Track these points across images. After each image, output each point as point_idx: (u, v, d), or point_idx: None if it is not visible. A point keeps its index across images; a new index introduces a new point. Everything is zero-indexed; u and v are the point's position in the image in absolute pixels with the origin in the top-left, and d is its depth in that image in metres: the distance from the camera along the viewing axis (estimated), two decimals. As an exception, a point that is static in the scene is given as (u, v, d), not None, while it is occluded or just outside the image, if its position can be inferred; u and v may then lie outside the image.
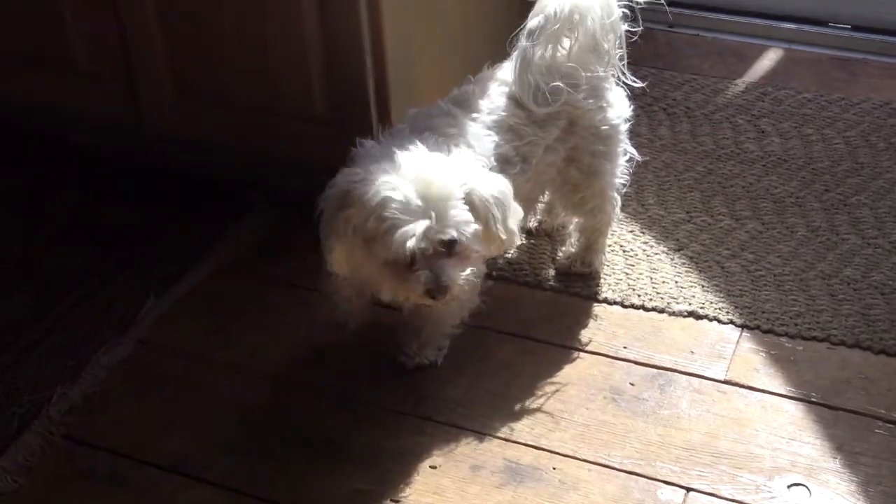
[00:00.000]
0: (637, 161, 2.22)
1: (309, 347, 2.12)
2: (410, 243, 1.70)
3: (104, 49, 2.36)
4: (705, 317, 2.13)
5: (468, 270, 1.78)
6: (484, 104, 1.95)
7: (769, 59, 2.94)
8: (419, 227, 1.70)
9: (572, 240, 2.27)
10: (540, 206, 2.31)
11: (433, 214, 1.72)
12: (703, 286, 2.20)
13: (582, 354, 2.06)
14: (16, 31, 2.46)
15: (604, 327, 2.12)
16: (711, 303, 2.15)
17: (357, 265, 1.81)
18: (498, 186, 1.81)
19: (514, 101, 1.96)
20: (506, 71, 2.00)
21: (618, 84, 2.09)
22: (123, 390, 2.04)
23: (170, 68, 2.31)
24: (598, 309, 2.16)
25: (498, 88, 1.98)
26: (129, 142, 2.57)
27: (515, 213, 1.83)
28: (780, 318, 2.11)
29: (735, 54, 2.95)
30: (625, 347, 2.07)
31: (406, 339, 2.05)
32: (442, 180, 1.74)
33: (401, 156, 1.76)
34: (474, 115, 1.93)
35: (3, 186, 2.60)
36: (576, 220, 2.23)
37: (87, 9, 2.33)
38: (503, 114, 1.94)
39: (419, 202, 1.71)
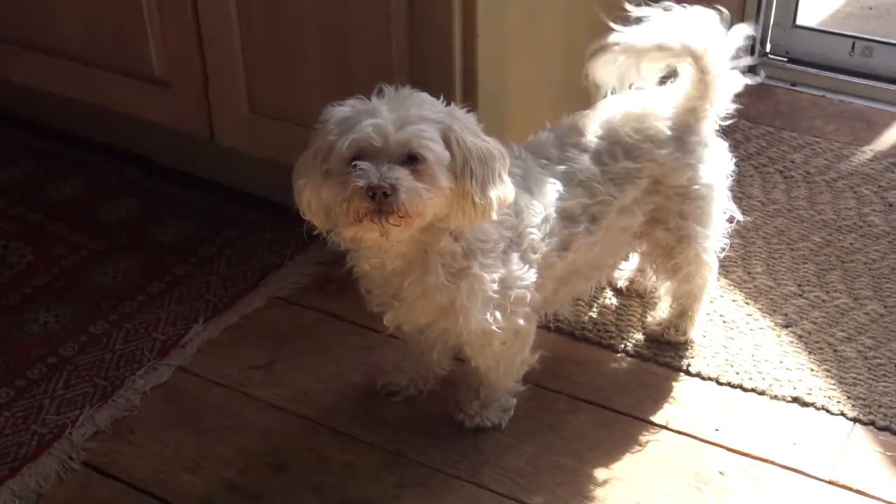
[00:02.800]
0: (740, 222, 1.98)
1: (360, 395, 1.92)
2: (356, 134, 1.49)
3: (180, 57, 2.23)
4: (812, 405, 1.86)
5: (428, 193, 1.50)
6: (556, 153, 1.75)
7: (902, 128, 2.67)
8: (371, 119, 1.49)
9: (665, 304, 2.03)
10: (631, 264, 2.08)
11: (394, 117, 1.51)
12: (811, 370, 1.93)
13: (666, 433, 1.82)
14: (94, 38, 2.36)
15: (694, 405, 1.87)
16: (820, 389, 1.88)
17: (325, 204, 1.58)
18: (488, 145, 1.57)
19: (590, 154, 1.75)
20: (584, 118, 1.80)
21: (717, 136, 1.86)
22: (154, 419, 1.88)
23: (245, 80, 2.17)
24: (688, 383, 1.92)
25: (573, 139, 1.77)
26: (200, 155, 2.43)
27: (503, 188, 1.56)
28: (900, 414, 1.83)
29: (863, 120, 2.69)
30: (716, 430, 1.82)
31: (467, 397, 1.84)
32: (419, 109, 1.53)
33: None
34: (543, 161, 1.73)
35: (60, 194, 2.48)
36: (669, 283, 1.98)
37: (166, 18, 2.20)
38: (575, 166, 1.73)
39: (386, 112, 1.51)
